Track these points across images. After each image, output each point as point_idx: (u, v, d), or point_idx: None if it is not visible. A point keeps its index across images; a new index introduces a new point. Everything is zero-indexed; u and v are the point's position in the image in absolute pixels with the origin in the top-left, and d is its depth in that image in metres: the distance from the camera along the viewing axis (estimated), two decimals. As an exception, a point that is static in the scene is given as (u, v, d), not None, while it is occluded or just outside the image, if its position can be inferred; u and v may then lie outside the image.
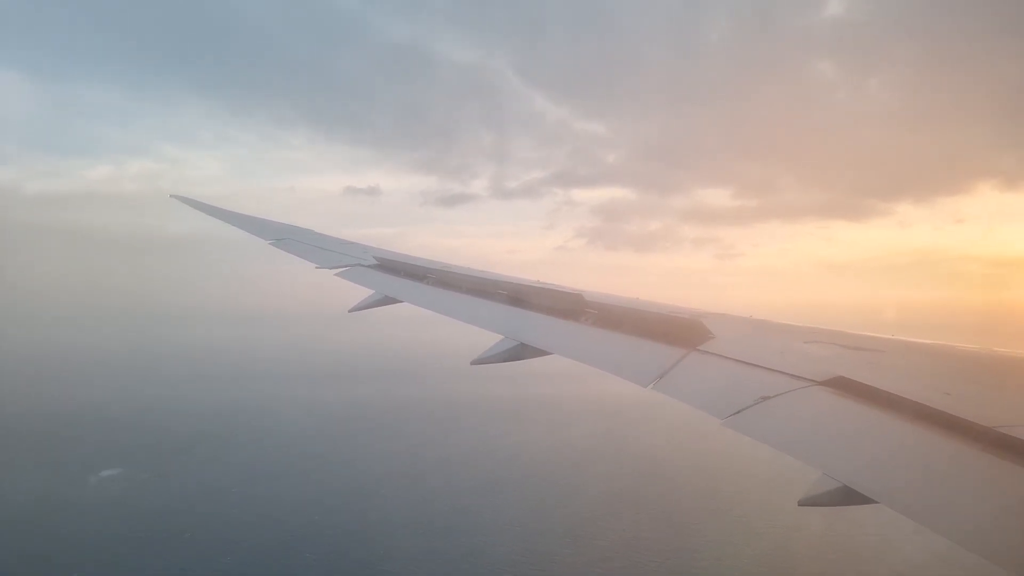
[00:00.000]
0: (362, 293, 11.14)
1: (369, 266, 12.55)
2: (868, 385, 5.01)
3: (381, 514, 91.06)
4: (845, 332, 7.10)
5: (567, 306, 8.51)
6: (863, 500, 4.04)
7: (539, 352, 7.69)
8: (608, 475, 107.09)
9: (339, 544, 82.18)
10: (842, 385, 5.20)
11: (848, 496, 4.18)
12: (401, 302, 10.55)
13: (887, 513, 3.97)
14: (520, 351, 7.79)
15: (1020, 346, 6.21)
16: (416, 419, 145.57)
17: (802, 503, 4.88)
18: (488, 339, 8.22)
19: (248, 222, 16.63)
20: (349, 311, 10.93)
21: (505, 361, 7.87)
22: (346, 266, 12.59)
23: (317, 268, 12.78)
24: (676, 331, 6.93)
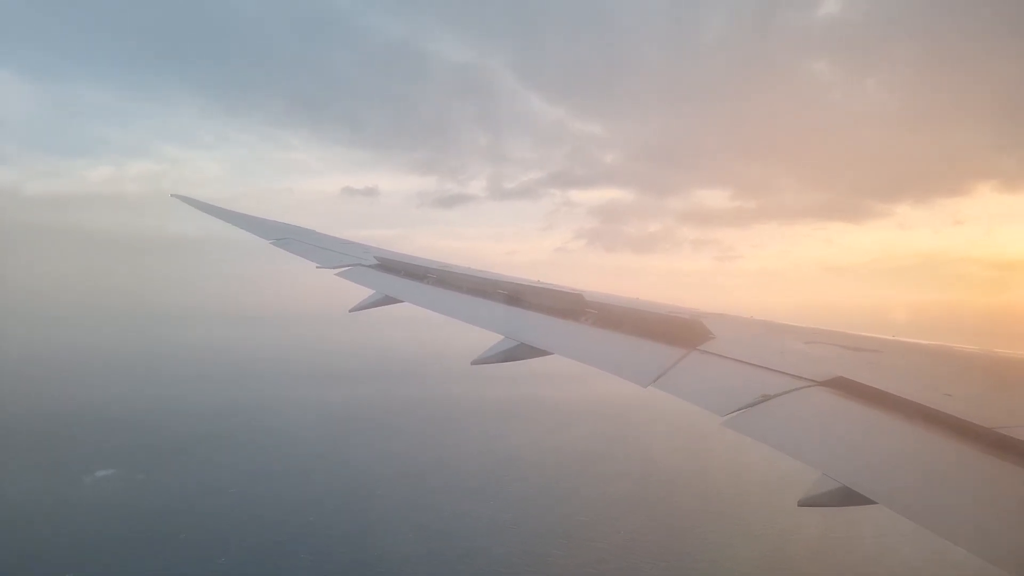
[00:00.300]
0: (363, 293, 11.14)
1: (369, 266, 12.56)
2: (868, 386, 5.01)
3: (379, 515, 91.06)
4: (845, 332, 7.10)
5: (567, 306, 8.51)
6: (863, 501, 4.04)
7: (539, 352, 7.69)
8: (608, 476, 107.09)
9: (335, 545, 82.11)
10: (842, 385, 5.20)
11: (848, 497, 4.18)
12: (402, 302, 10.55)
13: (887, 514, 3.97)
14: (520, 351, 7.78)
15: (1021, 347, 6.21)
16: (416, 419, 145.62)
17: (802, 503, 4.88)
18: (488, 339, 8.22)
19: (249, 222, 16.65)
20: (350, 311, 10.94)
21: (505, 361, 7.86)
22: (347, 266, 12.60)
23: (318, 268, 12.79)
24: (676, 331, 6.93)
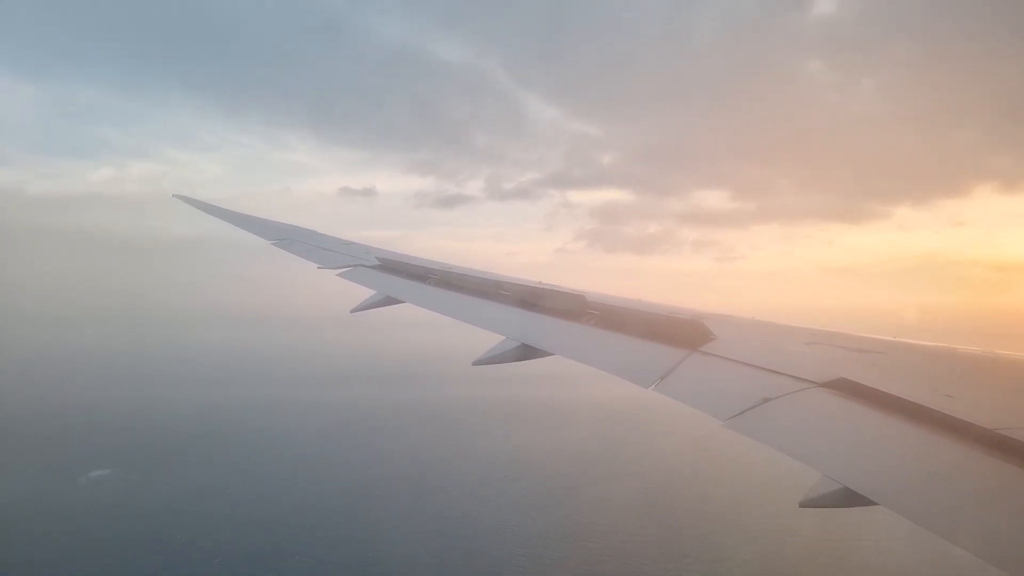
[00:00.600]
0: (364, 293, 11.15)
1: (371, 267, 12.56)
2: (870, 387, 5.01)
3: (379, 516, 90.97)
4: (847, 334, 7.10)
5: (569, 307, 8.51)
6: (864, 502, 4.04)
7: (541, 353, 7.69)
8: (609, 477, 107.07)
9: (333, 547, 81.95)
10: (844, 387, 5.20)
11: (849, 498, 4.18)
12: (403, 303, 10.56)
13: (888, 515, 3.97)
14: (522, 352, 7.78)
15: (1022, 349, 6.21)
16: (417, 420, 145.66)
17: (803, 504, 4.89)
18: (490, 340, 8.22)
19: (250, 222, 16.66)
20: (351, 311, 10.94)
21: (507, 362, 7.86)
22: (348, 266, 12.61)
23: (319, 268, 12.80)
24: (678, 332, 6.93)
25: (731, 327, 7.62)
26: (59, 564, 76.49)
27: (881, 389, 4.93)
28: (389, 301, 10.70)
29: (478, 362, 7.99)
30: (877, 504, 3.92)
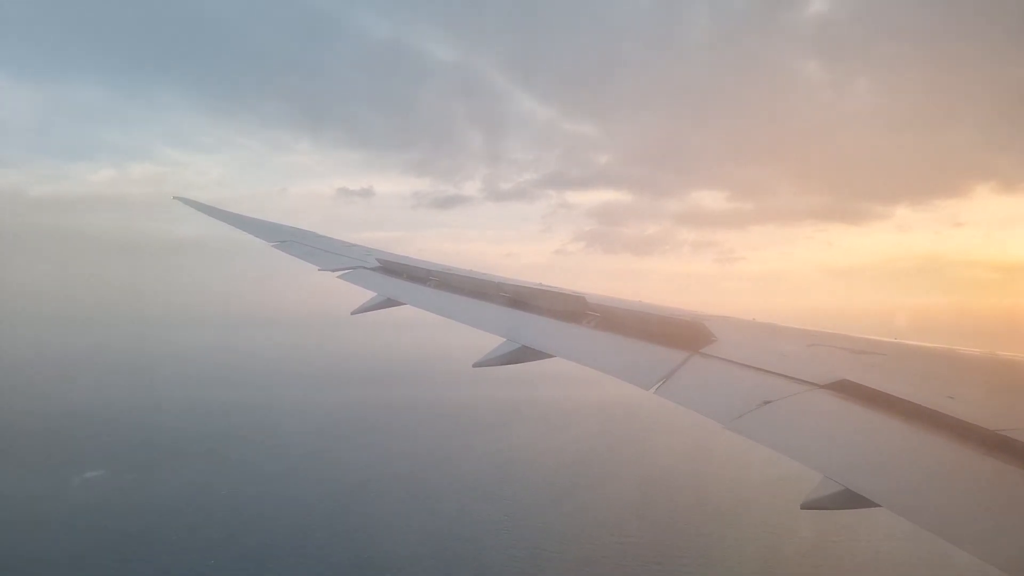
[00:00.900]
0: (365, 295, 11.15)
1: (371, 268, 12.56)
2: (872, 388, 5.00)
3: (378, 517, 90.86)
4: (848, 335, 7.08)
5: (569, 308, 8.50)
6: (866, 503, 4.03)
7: (541, 355, 7.68)
8: (608, 478, 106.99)
9: (330, 548, 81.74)
10: (846, 388, 5.19)
11: (851, 499, 4.17)
12: (403, 304, 10.55)
13: (888, 517, 3.96)
14: (522, 354, 7.77)
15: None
16: (418, 421, 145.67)
17: (805, 506, 4.87)
18: (490, 341, 8.21)
19: (251, 224, 16.66)
20: (352, 313, 10.94)
21: (507, 364, 7.85)
22: (348, 268, 12.61)
23: (320, 270, 12.80)
24: (678, 334, 6.92)
25: (732, 329, 7.61)
26: (51, 565, 76.23)
27: (882, 391, 4.92)
28: (390, 303, 10.70)
29: (479, 364, 7.98)
30: (879, 506, 3.91)
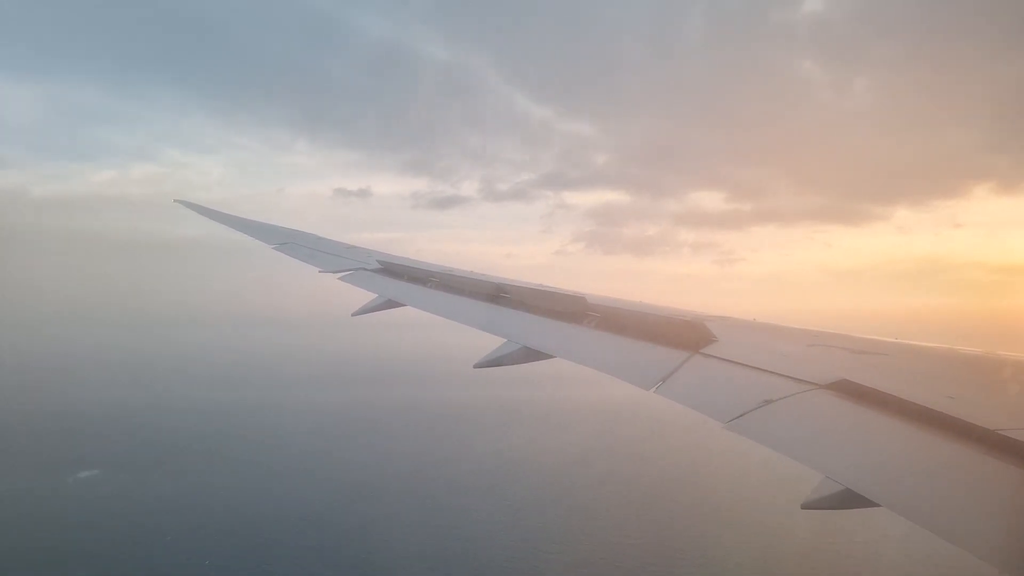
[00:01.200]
0: (365, 297, 11.15)
1: (372, 270, 12.56)
2: (872, 388, 5.00)
3: (375, 517, 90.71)
4: (849, 335, 7.09)
5: (570, 309, 8.50)
6: (866, 503, 4.04)
7: (542, 355, 7.68)
8: (609, 478, 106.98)
9: (326, 547, 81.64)
10: (846, 388, 5.19)
11: (851, 499, 4.17)
12: (404, 306, 10.55)
13: (886, 516, 3.96)
14: (523, 354, 7.77)
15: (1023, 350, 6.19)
16: (418, 423, 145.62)
17: (805, 506, 4.87)
18: (491, 342, 8.21)
19: (252, 227, 16.64)
20: (352, 315, 10.94)
21: (508, 364, 7.85)
22: (349, 270, 12.61)
23: (320, 272, 12.79)
24: (679, 334, 6.92)
25: (732, 329, 7.61)
26: (44, 563, 76.06)
27: (883, 391, 4.92)
28: (390, 304, 10.70)
29: (479, 365, 7.98)
30: (879, 505, 3.92)
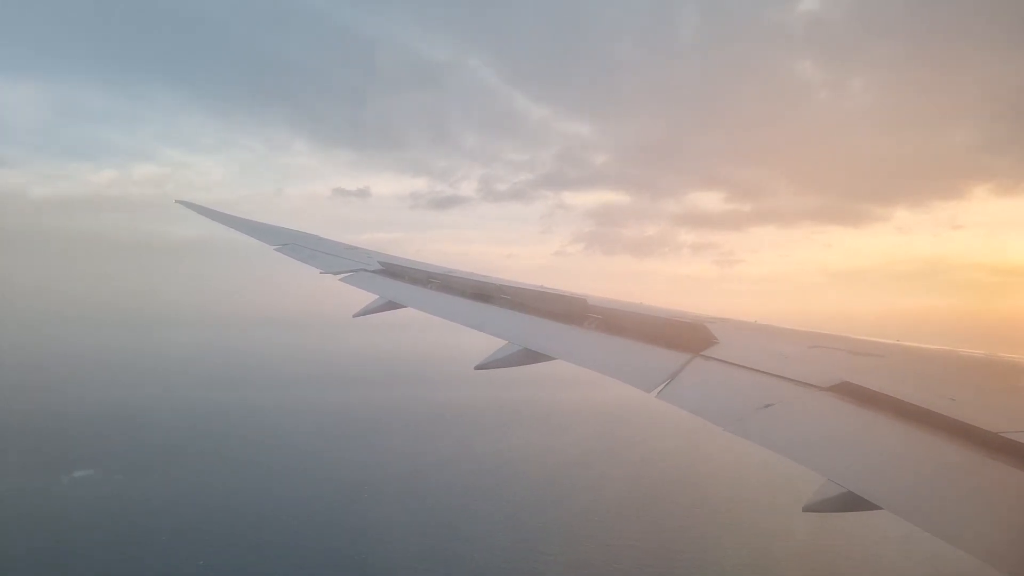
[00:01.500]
0: (366, 298, 11.13)
1: (373, 271, 12.56)
2: (873, 390, 4.99)
3: (375, 517, 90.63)
4: (850, 337, 7.08)
5: (571, 311, 8.49)
6: (868, 506, 4.03)
7: (543, 357, 7.66)
8: (609, 479, 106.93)
9: (327, 547, 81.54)
10: (847, 391, 5.18)
11: (853, 502, 4.16)
12: (405, 307, 10.54)
13: (886, 519, 3.95)
14: (524, 356, 7.75)
15: (1025, 352, 6.18)
16: (419, 423, 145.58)
17: (807, 509, 4.86)
18: (492, 344, 8.20)
19: (253, 227, 16.63)
20: (353, 316, 10.93)
21: (509, 366, 7.83)
22: (350, 271, 12.60)
23: (322, 273, 12.78)
24: (680, 336, 6.91)
25: (734, 331, 7.60)
26: (38, 563, 75.88)
27: (884, 393, 4.91)
28: (391, 306, 10.68)
29: (480, 366, 7.96)
30: (880, 508, 3.91)
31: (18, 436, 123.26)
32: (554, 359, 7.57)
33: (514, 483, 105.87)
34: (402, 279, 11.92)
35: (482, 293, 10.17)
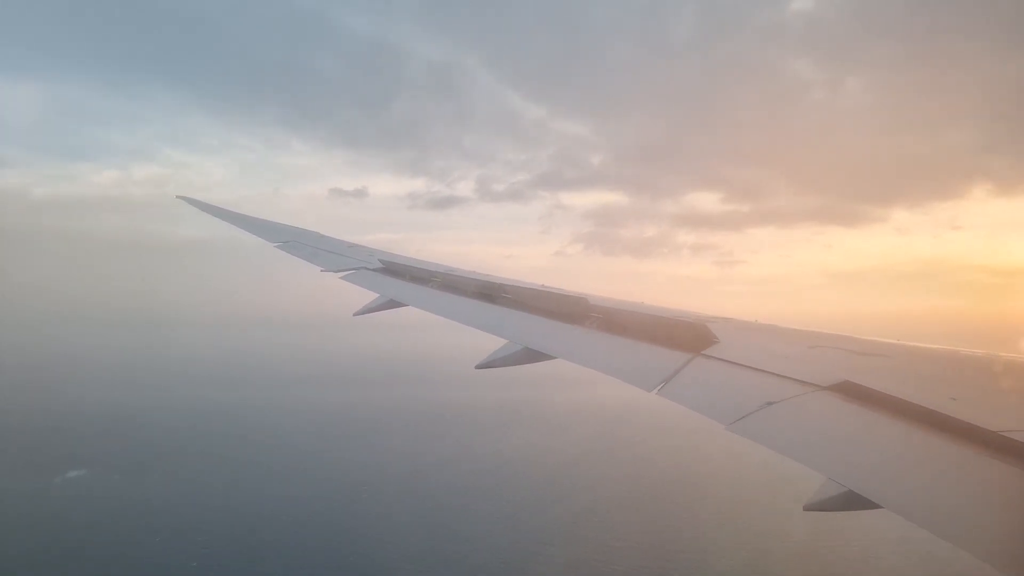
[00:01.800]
0: (367, 296, 11.13)
1: (374, 269, 12.55)
2: (874, 390, 4.99)
3: (373, 517, 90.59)
4: (850, 337, 7.09)
5: (571, 310, 8.49)
6: (868, 505, 4.03)
7: (544, 356, 7.66)
8: (610, 479, 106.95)
9: (327, 547, 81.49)
10: (848, 390, 5.18)
11: (853, 501, 4.17)
12: (406, 306, 10.54)
13: (885, 518, 3.96)
14: (525, 355, 7.75)
15: (1025, 352, 6.18)
16: (419, 423, 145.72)
17: (807, 508, 4.87)
18: (493, 343, 8.20)
19: (254, 224, 16.63)
20: (354, 314, 10.92)
21: (510, 365, 7.84)
22: (351, 269, 12.60)
23: (322, 271, 12.78)
24: (681, 335, 6.91)
25: (734, 330, 7.61)
26: (32, 563, 75.68)
27: (885, 392, 4.92)
28: (392, 304, 10.68)
29: (481, 365, 7.96)
30: (881, 507, 3.91)
31: (16, 436, 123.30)
32: (555, 358, 7.58)
33: (514, 483, 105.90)
34: (403, 278, 11.91)
35: (483, 292, 10.17)
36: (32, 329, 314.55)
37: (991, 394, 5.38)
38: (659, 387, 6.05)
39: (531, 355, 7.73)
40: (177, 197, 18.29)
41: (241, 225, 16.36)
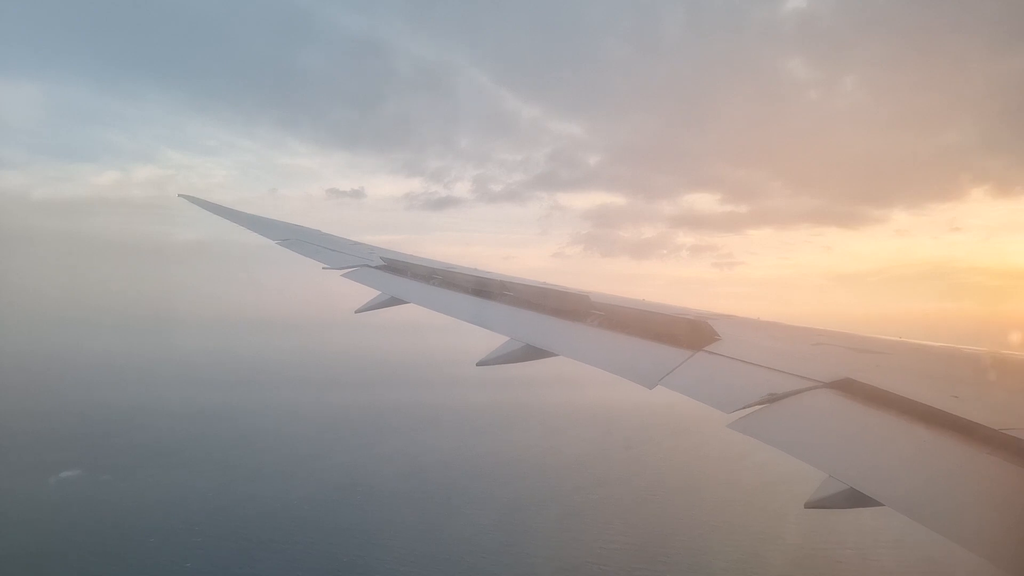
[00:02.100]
0: (369, 294, 11.11)
1: (376, 267, 12.53)
2: (875, 387, 4.98)
3: (373, 517, 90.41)
4: (852, 334, 7.08)
5: (573, 307, 8.48)
6: (870, 503, 4.02)
7: (545, 353, 7.66)
8: (610, 479, 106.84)
9: (327, 548, 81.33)
10: (849, 387, 5.17)
11: (855, 499, 4.16)
12: (407, 303, 10.53)
13: (886, 517, 3.95)
14: (526, 352, 7.74)
15: (1027, 351, 6.17)
16: (420, 420, 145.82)
17: (808, 505, 4.85)
18: (494, 340, 8.19)
19: (255, 222, 16.62)
20: (356, 312, 10.91)
21: (511, 362, 7.83)
22: (353, 267, 12.58)
23: (324, 269, 12.76)
24: (682, 332, 6.90)
25: (736, 327, 7.60)
26: (26, 564, 75.53)
27: (887, 390, 4.90)
28: (394, 301, 10.66)
29: (483, 363, 7.95)
30: (882, 505, 3.90)
31: (11, 436, 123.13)
32: (556, 355, 7.56)
33: (512, 484, 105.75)
34: (404, 275, 11.90)
35: (484, 289, 10.16)
36: (33, 331, 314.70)
37: (993, 392, 5.37)
38: (660, 384, 6.04)
39: (532, 352, 7.72)
40: (179, 196, 18.30)
41: (243, 223, 16.34)
